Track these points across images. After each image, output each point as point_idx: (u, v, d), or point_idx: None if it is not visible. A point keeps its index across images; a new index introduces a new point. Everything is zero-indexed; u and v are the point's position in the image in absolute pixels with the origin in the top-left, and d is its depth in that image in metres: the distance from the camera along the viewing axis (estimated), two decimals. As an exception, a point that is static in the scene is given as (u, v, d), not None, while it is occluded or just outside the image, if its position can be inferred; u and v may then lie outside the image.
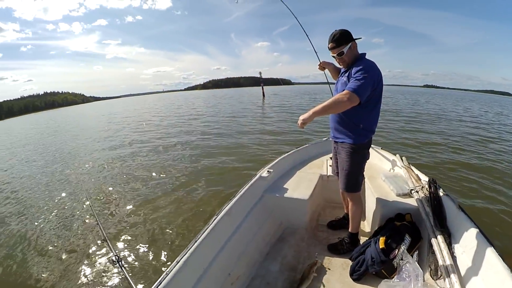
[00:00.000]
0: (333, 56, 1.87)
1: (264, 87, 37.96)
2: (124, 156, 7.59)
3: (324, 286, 1.76)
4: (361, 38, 1.84)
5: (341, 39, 1.77)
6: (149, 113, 23.40)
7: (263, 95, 34.75)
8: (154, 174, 5.72)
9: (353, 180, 1.95)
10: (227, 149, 7.50)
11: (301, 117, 1.70)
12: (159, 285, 1.24)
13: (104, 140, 10.77)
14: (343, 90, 1.67)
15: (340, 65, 1.93)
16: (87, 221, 3.88)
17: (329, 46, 1.84)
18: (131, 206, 4.23)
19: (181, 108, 26.17)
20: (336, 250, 2.10)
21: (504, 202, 3.98)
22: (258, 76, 39.92)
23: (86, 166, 6.92)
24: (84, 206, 4.32)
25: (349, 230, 2.12)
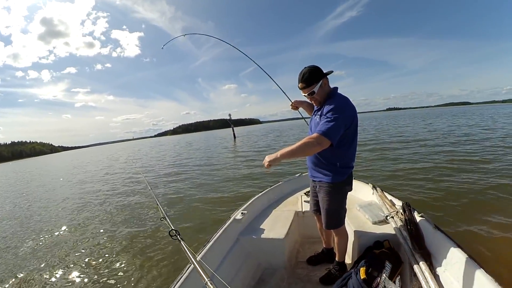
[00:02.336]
0: (304, 95, 1.79)
1: (234, 128, 38.62)
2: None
3: None
4: (332, 71, 1.75)
5: (311, 78, 1.67)
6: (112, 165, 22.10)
7: (234, 137, 35.14)
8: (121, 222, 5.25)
9: (335, 217, 1.89)
10: (199, 192, 7.22)
11: (267, 158, 1.58)
12: None
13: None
14: None
15: (313, 102, 1.85)
16: None
17: (299, 86, 1.74)
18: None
19: (147, 158, 24.52)
20: (330, 280, 2.02)
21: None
22: (228, 118, 40.82)
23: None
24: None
25: (336, 259, 2.07)
